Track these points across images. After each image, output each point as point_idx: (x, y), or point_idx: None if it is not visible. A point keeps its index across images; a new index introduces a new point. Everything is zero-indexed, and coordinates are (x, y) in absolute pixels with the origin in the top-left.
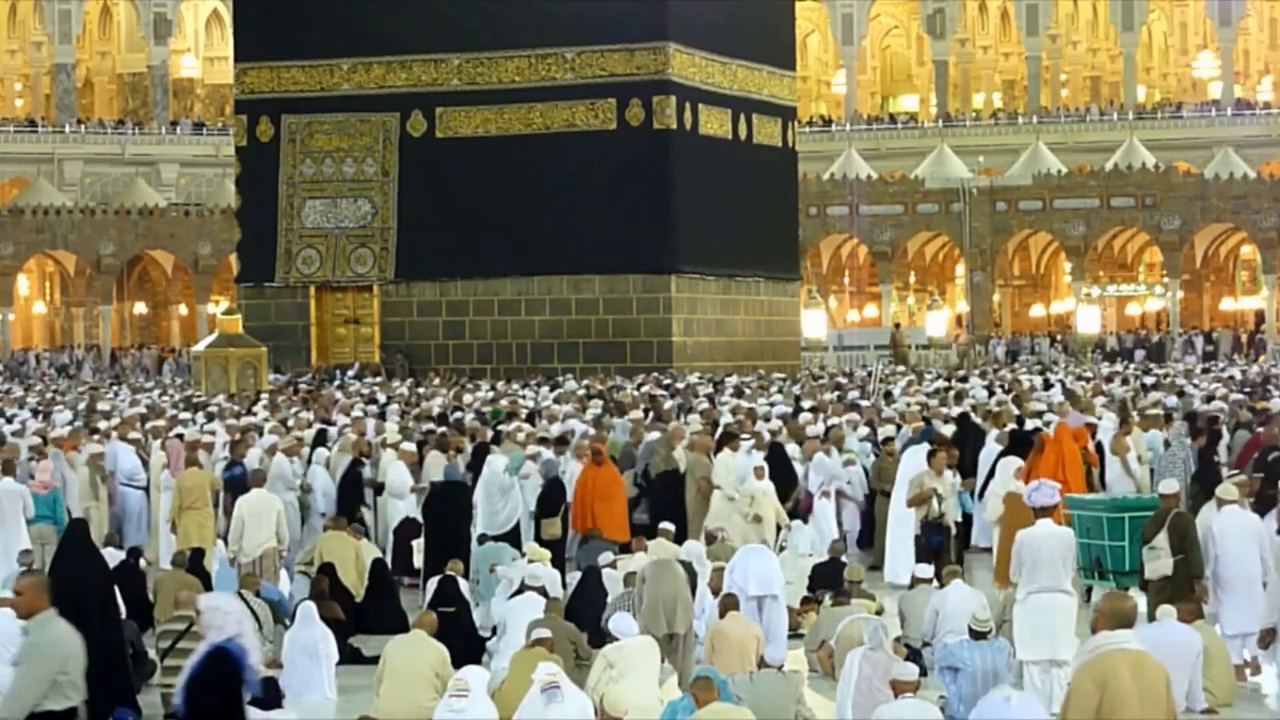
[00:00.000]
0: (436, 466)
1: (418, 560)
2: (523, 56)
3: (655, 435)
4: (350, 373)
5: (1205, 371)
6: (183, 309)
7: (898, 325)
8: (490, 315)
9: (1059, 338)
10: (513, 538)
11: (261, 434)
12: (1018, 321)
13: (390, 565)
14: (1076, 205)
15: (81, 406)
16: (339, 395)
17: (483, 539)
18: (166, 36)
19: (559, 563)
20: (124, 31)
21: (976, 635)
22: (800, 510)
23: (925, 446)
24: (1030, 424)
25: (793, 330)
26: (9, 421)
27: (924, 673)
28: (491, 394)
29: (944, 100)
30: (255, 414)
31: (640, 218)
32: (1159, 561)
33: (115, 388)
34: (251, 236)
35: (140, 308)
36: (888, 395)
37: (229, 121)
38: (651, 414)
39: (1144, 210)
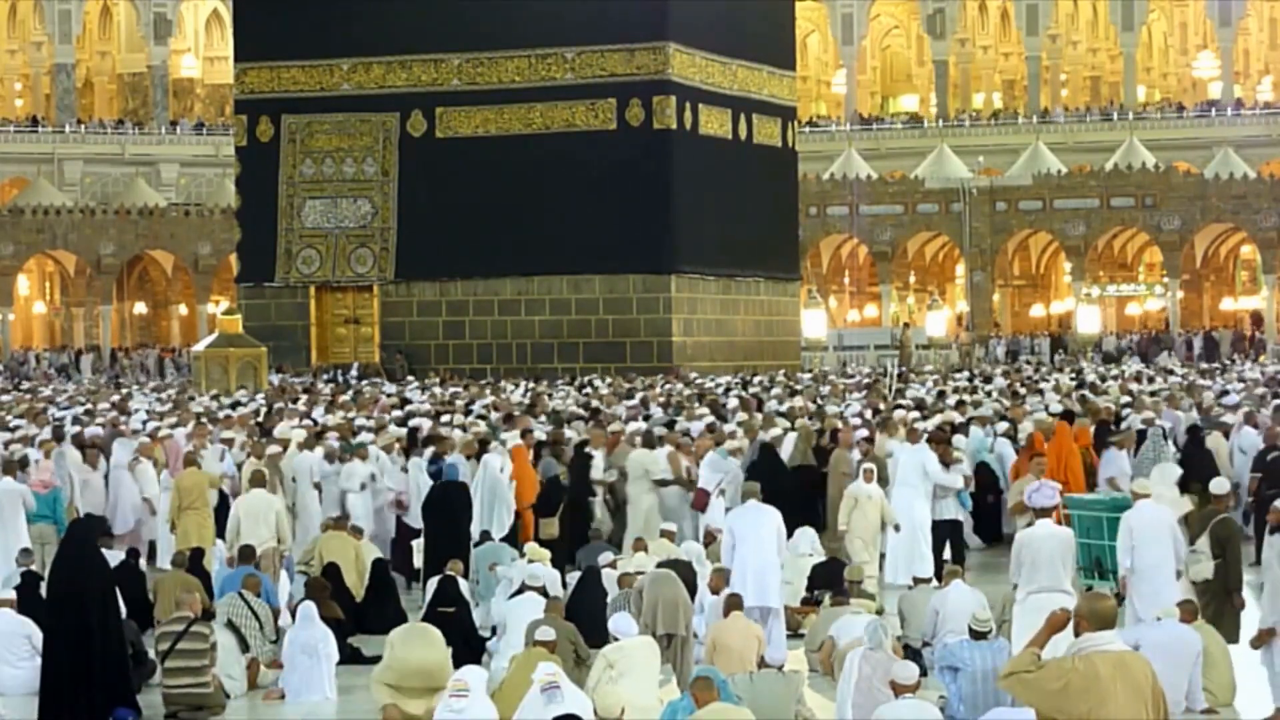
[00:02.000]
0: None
1: (417, 560)
2: (523, 56)
3: (776, 432)
4: (351, 373)
5: (1223, 372)
6: (183, 309)
7: (906, 325)
8: (490, 315)
9: (1062, 338)
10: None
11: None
12: (1017, 321)
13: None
14: (1076, 205)
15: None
16: (380, 396)
17: (485, 537)
18: (166, 36)
19: (559, 563)
20: (124, 31)
21: (976, 635)
22: (695, 507)
23: (924, 445)
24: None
25: (792, 330)
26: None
27: (924, 673)
28: (529, 395)
29: (944, 100)
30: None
31: (640, 218)
32: (1200, 565)
33: (145, 388)
34: (251, 236)
35: (140, 308)
36: (941, 394)
37: (229, 121)
38: (759, 412)
39: (1144, 210)
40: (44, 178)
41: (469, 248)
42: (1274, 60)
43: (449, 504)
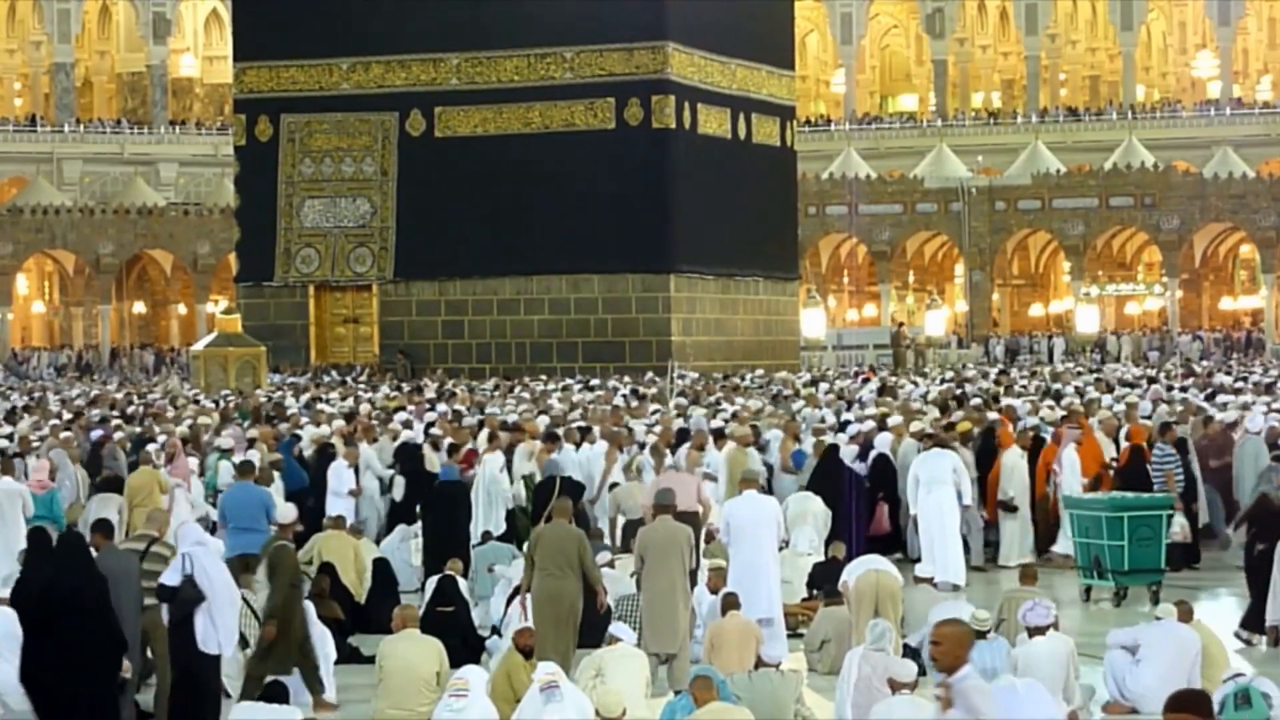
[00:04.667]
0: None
1: (416, 559)
2: (521, 56)
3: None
4: (354, 373)
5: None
6: (182, 308)
7: (900, 325)
8: (489, 315)
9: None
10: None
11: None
12: (1017, 321)
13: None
14: (1075, 205)
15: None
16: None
17: (486, 537)
18: (165, 36)
19: None
20: (123, 31)
21: (976, 635)
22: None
23: (937, 450)
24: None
25: (791, 330)
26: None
27: (923, 672)
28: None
29: (943, 99)
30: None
31: (639, 217)
32: None
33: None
34: (250, 236)
35: (139, 307)
36: (1046, 391)
37: (228, 121)
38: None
39: (1143, 210)
40: (43, 177)
41: (468, 247)
42: (1273, 60)
43: (448, 503)
